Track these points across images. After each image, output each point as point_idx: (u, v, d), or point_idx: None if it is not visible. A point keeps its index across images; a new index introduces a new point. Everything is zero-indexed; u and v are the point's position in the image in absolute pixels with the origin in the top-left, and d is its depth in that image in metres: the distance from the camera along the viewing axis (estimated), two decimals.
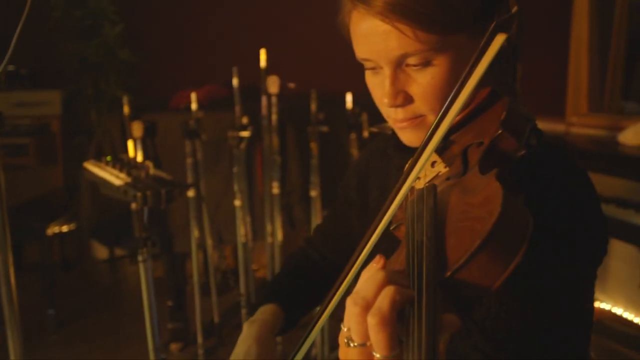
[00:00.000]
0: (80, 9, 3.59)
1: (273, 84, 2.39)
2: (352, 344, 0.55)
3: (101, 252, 3.83)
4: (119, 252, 3.80)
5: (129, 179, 1.65)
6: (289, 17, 3.59)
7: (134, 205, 1.69)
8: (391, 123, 0.86)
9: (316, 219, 2.59)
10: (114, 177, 1.67)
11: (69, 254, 3.76)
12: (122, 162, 1.76)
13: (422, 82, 0.78)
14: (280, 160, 2.53)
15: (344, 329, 0.57)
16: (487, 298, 0.74)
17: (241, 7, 3.70)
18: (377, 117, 2.65)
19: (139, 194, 1.58)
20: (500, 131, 0.68)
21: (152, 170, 1.71)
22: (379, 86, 0.82)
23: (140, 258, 1.75)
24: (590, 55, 2.90)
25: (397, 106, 0.81)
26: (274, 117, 2.44)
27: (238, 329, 2.71)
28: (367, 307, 0.53)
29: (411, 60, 0.77)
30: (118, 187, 1.63)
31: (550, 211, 0.74)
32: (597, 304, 2.67)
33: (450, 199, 0.63)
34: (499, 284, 0.54)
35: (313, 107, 2.45)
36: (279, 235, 2.58)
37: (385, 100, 0.80)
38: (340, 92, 2.59)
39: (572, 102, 2.95)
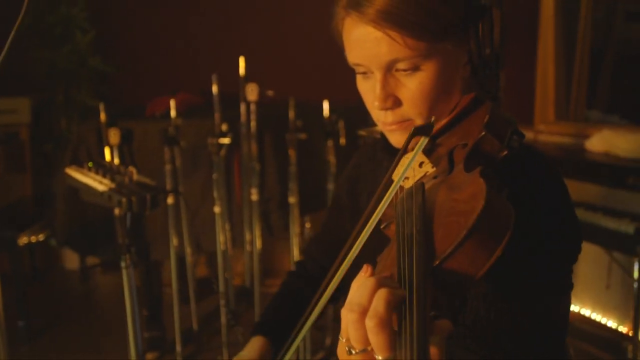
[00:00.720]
0: (51, 16, 3.53)
1: (252, 92, 2.41)
2: (353, 352, 0.57)
3: (71, 262, 3.75)
4: (90, 261, 3.73)
5: (112, 185, 1.65)
6: (266, 26, 3.62)
7: (117, 211, 1.68)
8: (381, 126, 0.90)
9: (294, 226, 2.62)
10: (98, 183, 1.67)
11: (38, 264, 3.67)
12: (104, 168, 1.75)
13: (411, 87, 0.83)
14: (259, 167, 2.54)
15: (342, 339, 0.59)
16: (475, 301, 0.78)
17: (216, 14, 3.71)
18: (353, 125, 2.69)
19: (123, 200, 1.58)
20: (483, 133, 0.73)
21: (135, 176, 1.71)
22: (370, 90, 0.86)
23: (123, 264, 1.74)
24: (556, 67, 3.02)
25: (387, 109, 0.85)
26: (253, 124, 2.46)
27: (217, 335, 2.70)
28: (363, 312, 0.56)
29: (401, 66, 0.81)
30: (102, 193, 1.63)
31: (530, 209, 0.78)
32: None
33: (437, 195, 0.67)
34: (483, 272, 0.58)
35: (291, 114, 2.48)
36: (258, 243, 2.59)
37: (376, 104, 0.84)
38: (317, 100, 2.63)
39: (540, 111, 3.06)
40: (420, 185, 0.69)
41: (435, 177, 0.74)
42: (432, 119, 0.76)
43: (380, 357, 0.55)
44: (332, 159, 2.59)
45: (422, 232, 0.60)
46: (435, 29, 0.79)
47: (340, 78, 3.60)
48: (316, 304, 0.76)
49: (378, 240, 0.74)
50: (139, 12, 3.76)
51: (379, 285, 0.57)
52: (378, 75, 0.83)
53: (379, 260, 0.72)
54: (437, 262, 0.58)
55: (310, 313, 0.77)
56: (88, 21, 3.61)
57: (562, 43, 3.02)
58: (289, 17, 3.57)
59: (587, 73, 3.01)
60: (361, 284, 0.58)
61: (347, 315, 0.57)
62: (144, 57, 3.80)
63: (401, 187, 0.73)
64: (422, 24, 0.78)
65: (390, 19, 0.78)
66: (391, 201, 0.70)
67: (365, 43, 0.81)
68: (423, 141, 0.72)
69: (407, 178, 0.76)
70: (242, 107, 2.47)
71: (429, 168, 0.77)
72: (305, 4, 3.56)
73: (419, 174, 0.77)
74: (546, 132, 2.94)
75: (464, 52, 0.84)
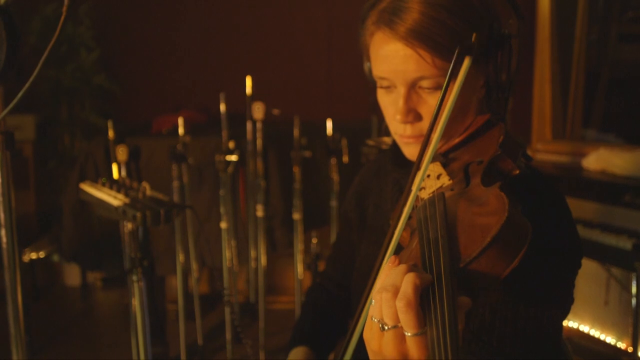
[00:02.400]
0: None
1: (258, 110, 2.46)
2: (386, 328, 0.64)
3: (72, 278, 3.76)
4: (91, 278, 3.74)
5: (127, 200, 1.68)
6: (271, 47, 3.70)
7: (130, 226, 1.72)
8: (397, 138, 0.95)
9: (297, 242, 2.65)
10: (112, 198, 1.70)
11: (39, 281, 3.67)
12: (118, 184, 1.79)
13: (432, 104, 0.87)
14: (264, 184, 2.59)
15: (374, 320, 0.66)
16: (482, 308, 0.83)
17: (222, 36, 3.79)
18: (356, 143, 2.73)
19: (138, 214, 1.61)
20: (499, 152, 0.79)
21: (148, 192, 1.75)
22: (391, 104, 0.91)
23: (134, 278, 1.77)
24: (552, 87, 3.10)
25: (407, 122, 0.89)
26: (259, 142, 2.51)
27: (222, 350, 2.72)
28: (396, 292, 0.63)
29: (424, 84, 0.86)
30: (117, 208, 1.66)
31: (536, 226, 0.83)
32: (564, 322, 2.77)
33: (457, 205, 0.73)
34: (501, 278, 0.65)
35: (296, 132, 2.53)
36: (263, 259, 2.63)
37: (398, 117, 0.89)
38: (321, 119, 2.69)
39: (537, 130, 3.13)
40: (441, 194, 0.74)
41: (452, 189, 0.79)
42: (474, 35, 0.79)
43: (409, 333, 0.61)
44: (335, 176, 2.63)
45: (446, 237, 0.66)
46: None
47: (343, 98, 3.67)
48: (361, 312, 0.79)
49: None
50: (144, 31, 3.83)
51: (408, 270, 0.64)
52: (402, 90, 0.87)
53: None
54: (462, 265, 0.64)
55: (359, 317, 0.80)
56: (93, 40, 3.67)
57: (558, 64, 3.10)
58: (294, 39, 3.66)
59: (583, 93, 3.09)
60: (393, 269, 0.66)
61: (382, 295, 0.64)
62: (147, 75, 3.87)
63: (418, 198, 0.79)
64: (449, 46, 0.82)
65: (420, 38, 0.82)
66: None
67: (395, 59, 0.85)
68: (469, 61, 0.77)
69: (423, 188, 0.81)
70: (249, 125, 2.53)
71: (445, 180, 0.82)
72: (310, 26, 3.65)
73: (436, 185, 0.82)
74: (543, 150, 3.00)
75: (482, 76, 0.89)
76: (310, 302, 1.27)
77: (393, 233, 0.75)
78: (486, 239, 0.63)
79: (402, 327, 0.62)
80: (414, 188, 0.77)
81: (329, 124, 2.62)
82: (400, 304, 0.61)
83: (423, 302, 0.62)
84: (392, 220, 0.77)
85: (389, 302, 0.63)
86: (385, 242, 0.75)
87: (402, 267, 0.65)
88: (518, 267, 0.65)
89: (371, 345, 0.66)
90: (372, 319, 0.66)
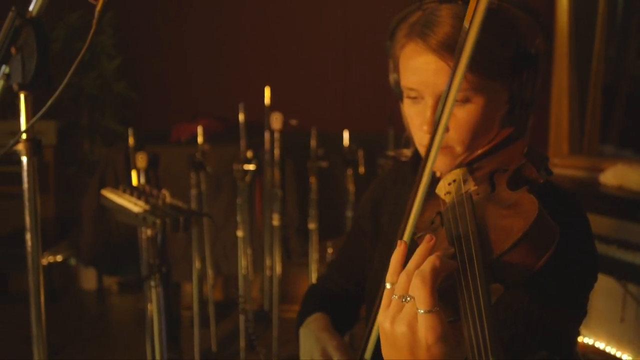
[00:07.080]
0: (80, 42, 3.66)
1: (276, 121, 2.49)
2: (408, 299, 0.65)
3: (89, 282, 3.81)
4: (106, 282, 3.79)
5: (147, 207, 1.71)
6: (289, 58, 3.74)
7: (149, 232, 1.75)
8: (422, 149, 0.96)
9: (312, 251, 2.67)
10: (133, 205, 1.73)
11: (56, 285, 3.72)
12: (139, 191, 1.82)
13: (459, 116, 0.89)
14: (281, 193, 2.61)
15: (395, 297, 0.67)
16: (495, 305, 0.84)
17: (241, 46, 3.84)
18: (372, 154, 2.75)
19: (158, 221, 1.64)
20: (524, 160, 0.81)
21: (168, 199, 1.78)
22: (418, 114, 0.92)
23: (152, 284, 1.80)
24: (570, 102, 3.09)
25: None
26: (277, 151, 2.54)
27: (236, 356, 2.73)
28: (416, 268, 0.65)
29: None
30: (137, 214, 1.69)
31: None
32: (580, 339, 2.76)
33: (485, 208, 0.75)
34: (537, 268, 0.67)
35: (313, 143, 2.56)
36: (278, 268, 2.64)
37: (425, 128, 0.90)
38: (337, 130, 2.71)
39: (554, 145, 3.12)
40: (469, 195, 0.77)
41: (477, 194, 0.81)
42: None
43: (421, 310, 0.63)
44: (351, 187, 2.65)
45: (476, 233, 0.69)
46: (490, 67, 0.86)
47: (360, 109, 3.68)
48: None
49: (410, 250, 0.81)
50: (164, 40, 3.89)
51: (433, 252, 0.67)
52: (430, 102, 0.89)
53: None
54: (494, 257, 0.67)
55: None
56: (115, 48, 3.74)
57: (575, 79, 3.09)
58: (312, 50, 3.69)
59: (600, 108, 3.08)
60: (420, 249, 0.68)
61: (408, 269, 0.66)
62: (167, 83, 3.92)
63: (443, 202, 0.80)
64: (479, 60, 0.83)
65: (451, 51, 0.84)
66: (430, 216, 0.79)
67: (426, 71, 0.87)
68: None
69: (449, 193, 0.83)
70: (267, 135, 2.56)
71: (471, 186, 0.84)
72: (327, 38, 3.69)
73: (462, 189, 0.84)
74: (560, 165, 2.99)
75: (507, 92, 0.91)
76: (312, 293, 1.26)
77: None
78: (518, 234, 0.66)
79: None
80: (426, 173, 0.80)
81: (346, 135, 2.64)
82: (416, 280, 0.62)
83: (456, 292, 0.65)
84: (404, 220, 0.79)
85: (408, 276, 0.65)
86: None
87: (428, 249, 0.68)
88: (539, 270, 0.67)
89: (384, 326, 0.67)
90: (392, 296, 0.67)
